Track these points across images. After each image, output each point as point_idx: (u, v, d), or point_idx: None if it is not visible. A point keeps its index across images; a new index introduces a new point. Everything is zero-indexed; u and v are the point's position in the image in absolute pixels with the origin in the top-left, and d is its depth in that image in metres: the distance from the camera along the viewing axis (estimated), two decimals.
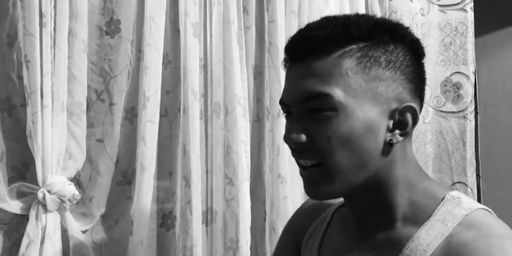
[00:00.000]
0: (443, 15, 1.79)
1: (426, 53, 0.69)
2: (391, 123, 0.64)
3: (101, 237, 1.17)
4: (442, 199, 0.65)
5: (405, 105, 0.64)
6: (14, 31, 1.05)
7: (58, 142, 1.06)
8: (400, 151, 0.66)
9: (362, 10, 1.57)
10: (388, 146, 0.64)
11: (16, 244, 1.07)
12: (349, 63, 0.62)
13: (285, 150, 1.39)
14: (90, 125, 1.15)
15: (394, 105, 0.64)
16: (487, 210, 0.65)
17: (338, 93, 0.61)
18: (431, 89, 1.79)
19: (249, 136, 1.40)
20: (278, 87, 1.39)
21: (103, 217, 1.18)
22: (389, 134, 0.64)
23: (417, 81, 0.66)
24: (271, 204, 1.38)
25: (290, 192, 1.40)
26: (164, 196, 1.25)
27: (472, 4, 1.76)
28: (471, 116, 1.78)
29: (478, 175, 1.82)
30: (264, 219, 1.39)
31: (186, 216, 1.24)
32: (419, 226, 0.64)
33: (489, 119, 1.94)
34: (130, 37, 1.18)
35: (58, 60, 1.07)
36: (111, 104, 1.17)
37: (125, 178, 1.19)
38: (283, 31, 1.42)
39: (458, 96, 1.78)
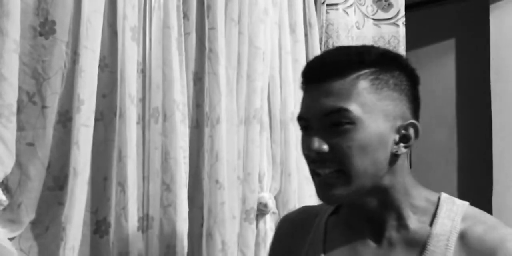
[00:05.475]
0: (377, 29, 1.88)
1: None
2: (397, 137, 0.75)
3: (29, 244, 1.13)
4: (438, 200, 0.78)
5: (408, 122, 0.76)
6: None
7: None
8: (401, 161, 0.77)
9: (300, 21, 1.62)
10: (394, 156, 0.75)
11: None
12: (364, 84, 0.73)
13: (224, 156, 1.40)
14: (20, 128, 1.11)
15: (400, 122, 0.75)
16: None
17: (356, 109, 0.72)
18: None
19: (188, 142, 1.39)
20: (218, 93, 1.40)
21: (32, 223, 1.13)
22: (395, 147, 0.75)
23: (415, 102, 0.78)
24: (209, 210, 1.37)
25: (228, 198, 1.40)
26: (98, 202, 1.22)
27: (404, 20, 1.86)
28: None
29: None
30: (201, 225, 1.38)
31: (121, 222, 1.21)
32: (429, 225, 0.76)
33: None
34: (65, 38, 1.15)
35: None
36: (43, 107, 1.13)
37: (56, 184, 1.15)
38: (223, 38, 1.44)
39: None
